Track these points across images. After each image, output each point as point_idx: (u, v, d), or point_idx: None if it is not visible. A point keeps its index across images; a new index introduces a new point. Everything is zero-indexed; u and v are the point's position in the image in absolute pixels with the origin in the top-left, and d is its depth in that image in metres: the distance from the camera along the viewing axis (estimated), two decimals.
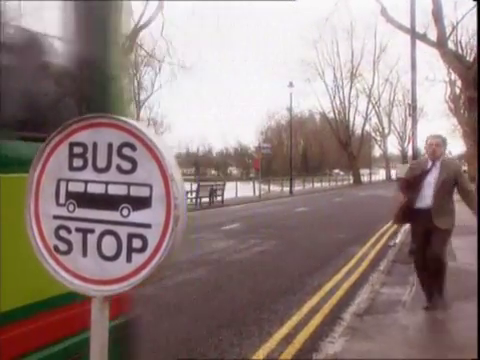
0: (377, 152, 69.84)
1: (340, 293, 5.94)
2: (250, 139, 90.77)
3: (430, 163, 4.75)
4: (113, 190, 1.14)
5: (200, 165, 78.17)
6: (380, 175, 61.96)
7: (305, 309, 5.36)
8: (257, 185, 27.15)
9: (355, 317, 4.89)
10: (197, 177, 68.85)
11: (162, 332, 4.59)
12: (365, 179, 50.62)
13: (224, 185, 22.45)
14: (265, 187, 30.48)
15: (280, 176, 40.38)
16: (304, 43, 47.28)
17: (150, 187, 1.11)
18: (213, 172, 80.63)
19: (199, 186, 20.76)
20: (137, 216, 1.12)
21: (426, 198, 4.63)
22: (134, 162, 1.13)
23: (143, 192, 1.12)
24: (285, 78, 43.43)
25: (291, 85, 29.62)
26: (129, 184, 1.13)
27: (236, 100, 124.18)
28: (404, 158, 53.13)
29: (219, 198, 21.92)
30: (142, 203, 1.12)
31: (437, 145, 4.68)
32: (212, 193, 21.10)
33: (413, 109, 8.80)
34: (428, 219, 4.56)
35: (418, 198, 4.67)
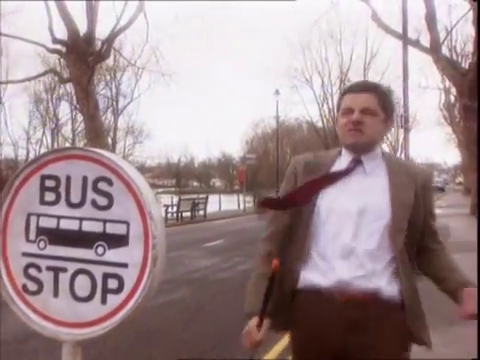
0: None
1: None
2: (235, 149, 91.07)
3: (347, 157, 1.77)
4: (88, 227, 1.12)
5: (181, 176, 78.03)
6: None
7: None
8: (242, 198, 27.16)
9: None
10: (178, 189, 68.79)
11: None
12: None
13: (207, 198, 22.41)
14: (250, 200, 30.50)
15: (266, 188, 40.47)
16: (291, 48, 47.65)
17: (127, 224, 1.10)
18: (195, 184, 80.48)
19: (180, 200, 20.68)
20: (113, 255, 1.11)
21: (337, 260, 1.63)
22: (110, 197, 1.12)
23: (120, 229, 1.11)
24: (271, 85, 43.86)
25: (277, 92, 29.91)
26: (105, 221, 1.12)
27: (220, 108, 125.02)
28: None
29: (201, 212, 21.86)
30: (118, 241, 1.11)
31: (365, 110, 1.69)
32: (194, 207, 21.04)
33: (405, 120, 8.93)
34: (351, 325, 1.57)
35: (308, 260, 1.69)
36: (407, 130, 8.92)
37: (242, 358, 4.58)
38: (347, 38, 45.06)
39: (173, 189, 69.02)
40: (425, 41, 18.65)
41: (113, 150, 42.23)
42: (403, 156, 9.90)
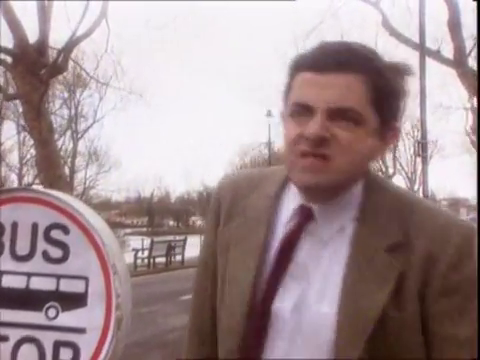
0: None
1: None
2: (219, 181, 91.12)
3: (293, 203, 1.16)
4: (37, 284, 1.12)
5: (155, 214, 77.78)
6: None
7: None
8: None
9: None
10: (150, 230, 68.48)
11: None
12: None
13: (185, 240, 22.35)
14: None
15: None
16: (285, 61, 48.82)
17: (86, 280, 1.10)
18: (171, 223, 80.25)
19: (153, 242, 20.60)
20: (67, 318, 1.10)
21: None
22: (66, 248, 1.12)
23: (76, 287, 1.10)
24: (262, 105, 44.35)
25: (269, 114, 30.30)
26: (58, 276, 1.11)
27: (201, 132, 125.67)
28: None
29: (179, 257, 21.76)
30: (75, 301, 1.10)
31: (339, 112, 1.04)
32: (170, 251, 20.96)
33: (423, 148, 9.07)
34: None
35: None
36: (426, 160, 9.06)
37: None
38: None
39: (145, 229, 68.73)
40: (447, 52, 18.83)
41: (71, 181, 42.14)
42: (421, 192, 10.03)
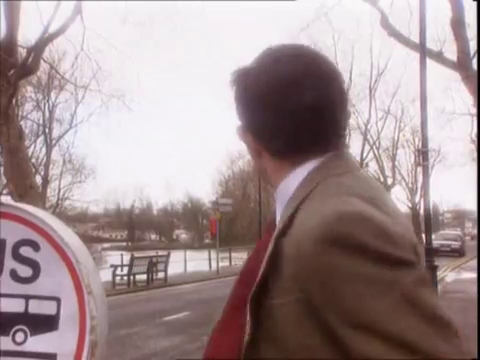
0: None
1: None
2: (205, 191, 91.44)
3: None
4: (4, 306, 1.11)
5: (136, 227, 77.56)
6: None
7: None
8: (214, 255, 27.08)
9: None
10: (131, 244, 68.19)
11: None
12: None
13: (168, 256, 22.29)
14: (225, 256, 30.42)
15: (246, 242, 40.48)
16: None
17: (57, 302, 1.10)
18: (153, 236, 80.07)
19: (133, 258, 20.51)
20: (37, 343, 1.09)
21: None
22: (36, 267, 1.12)
23: (47, 309, 1.10)
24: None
25: None
26: (27, 297, 1.11)
27: (185, 139, 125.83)
28: (415, 217, 54.40)
29: (161, 274, 21.69)
30: (45, 324, 1.10)
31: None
32: (151, 268, 20.88)
33: (424, 156, 9.12)
34: None
35: None
36: (427, 169, 9.12)
37: None
38: (345, 49, 46.25)
39: (124, 244, 68.48)
40: (450, 53, 18.85)
41: (44, 191, 41.90)
42: (422, 203, 10.04)
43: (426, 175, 8.98)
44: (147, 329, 11.06)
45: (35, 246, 1.16)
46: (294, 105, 1.09)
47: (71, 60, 26.05)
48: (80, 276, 1.12)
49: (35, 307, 1.15)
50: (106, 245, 57.24)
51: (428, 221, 8.92)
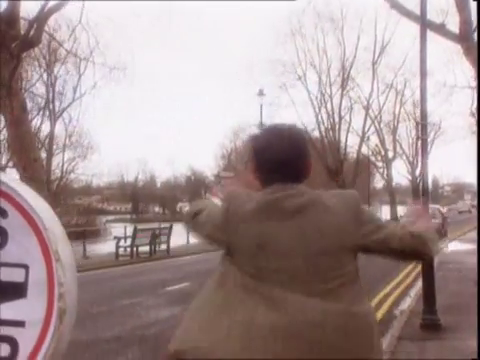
0: (379, 182, 71.47)
1: None
2: (208, 165, 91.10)
3: None
4: None
5: (139, 199, 77.73)
6: (383, 213, 63.19)
7: None
8: None
9: None
10: (134, 216, 68.40)
11: None
12: None
13: (170, 228, 22.34)
14: None
15: None
16: (278, 36, 48.02)
17: (25, 269, 1.07)
18: (157, 209, 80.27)
19: (136, 230, 20.56)
20: (5, 311, 1.06)
21: None
22: (4, 234, 1.08)
23: (15, 276, 1.07)
24: (253, 84, 43.97)
25: (261, 93, 30.16)
26: None
27: (188, 113, 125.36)
28: (415, 190, 54.29)
29: (164, 246, 21.77)
30: (13, 292, 1.07)
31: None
32: (154, 239, 20.95)
33: (423, 129, 9.03)
34: None
35: None
36: (426, 142, 9.03)
37: None
38: (351, 23, 45.67)
39: (128, 216, 68.71)
40: (453, 25, 18.48)
41: (49, 165, 41.89)
42: (420, 175, 9.96)
43: (425, 148, 8.90)
44: (149, 299, 11.12)
45: (3, 213, 1.13)
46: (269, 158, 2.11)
47: (70, 33, 25.85)
48: (48, 243, 1.09)
49: (3, 274, 1.12)
50: (110, 217, 57.50)
51: (426, 194, 8.86)
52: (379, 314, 9.64)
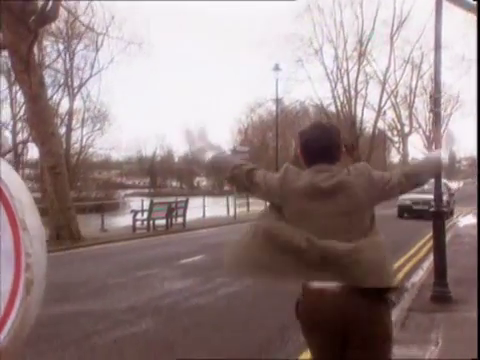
0: (395, 157, 70.90)
1: None
2: (225, 139, 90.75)
3: None
4: None
5: (157, 174, 77.98)
6: None
7: None
8: (232, 201, 27.16)
9: None
10: (152, 191, 68.72)
11: None
12: None
13: (186, 202, 22.38)
14: (243, 203, 30.50)
15: None
16: (294, 10, 47.30)
17: None
18: (174, 184, 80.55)
19: (152, 204, 20.61)
20: None
21: None
22: None
23: None
24: (269, 59, 43.59)
25: (277, 68, 29.85)
26: None
27: (205, 88, 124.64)
28: None
29: (180, 220, 21.84)
30: None
31: None
32: (170, 213, 21.00)
33: (436, 103, 8.86)
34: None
35: None
36: (439, 115, 8.85)
37: None
38: None
39: (146, 190, 69.05)
40: None
41: (68, 139, 42.10)
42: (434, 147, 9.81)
43: (438, 121, 8.72)
44: (163, 271, 11.16)
45: None
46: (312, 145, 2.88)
47: (86, 8, 25.70)
48: (15, 211, 1.03)
49: None
50: (129, 191, 57.78)
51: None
52: None
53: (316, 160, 2.82)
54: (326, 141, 2.85)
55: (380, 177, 2.84)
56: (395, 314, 7.63)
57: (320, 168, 2.79)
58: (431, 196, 21.86)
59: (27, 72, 16.15)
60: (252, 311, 7.93)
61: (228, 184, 3.53)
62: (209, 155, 3.16)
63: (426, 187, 27.42)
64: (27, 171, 43.39)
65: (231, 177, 3.04)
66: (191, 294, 8.96)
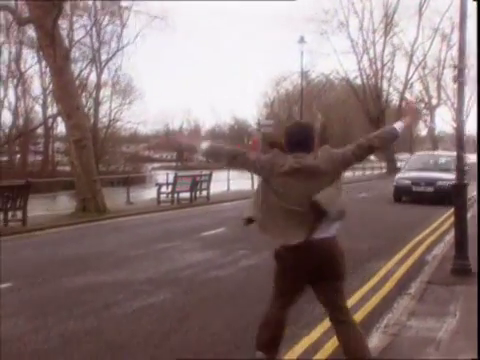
0: (422, 130, 69.72)
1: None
2: (251, 113, 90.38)
3: None
4: None
5: (184, 148, 77.87)
6: None
7: (299, 349, 5.27)
8: (256, 175, 27.02)
9: None
10: (179, 164, 68.86)
11: None
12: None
13: (210, 175, 22.34)
14: None
15: None
16: None
17: None
18: (201, 158, 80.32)
19: (177, 177, 20.61)
20: None
21: None
22: None
23: None
24: (294, 31, 42.79)
25: (302, 41, 29.32)
26: None
27: (231, 62, 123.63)
28: (460, 138, 52.55)
29: (204, 193, 21.83)
30: None
31: None
32: (194, 186, 20.98)
33: (459, 73, 8.63)
34: None
35: None
36: (462, 86, 8.59)
37: None
38: None
39: (173, 164, 69.17)
40: None
41: (96, 113, 42.27)
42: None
43: (461, 92, 8.46)
44: (184, 243, 11.15)
45: None
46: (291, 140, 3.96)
47: None
48: None
49: None
50: (156, 165, 57.95)
51: (460, 141, 8.53)
52: (410, 260, 9.48)
53: (295, 149, 3.89)
54: (302, 136, 3.94)
55: (338, 154, 3.92)
56: (414, 287, 7.55)
57: (297, 155, 3.85)
58: (437, 174, 19.12)
59: (52, 46, 16.14)
60: (270, 283, 7.88)
61: (227, 166, 4.26)
62: (204, 145, 4.25)
63: (431, 162, 21.71)
64: (57, 145, 43.72)
65: (232, 160, 4.07)
66: (211, 266, 8.95)
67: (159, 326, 5.91)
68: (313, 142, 3.96)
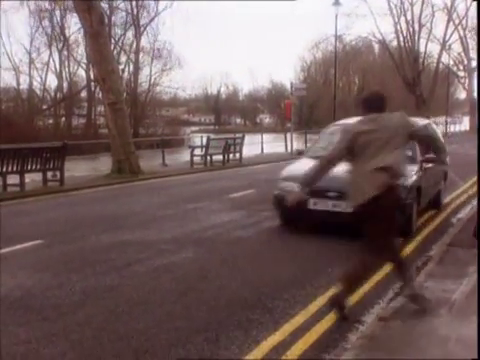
0: (460, 93, 67.66)
1: (367, 287, 5.71)
2: (288, 77, 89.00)
3: None
4: None
5: (222, 112, 77.76)
6: (463, 125, 60.10)
7: (313, 308, 5.22)
8: (290, 138, 26.77)
9: (378, 322, 4.69)
10: (217, 127, 68.91)
11: (113, 339, 4.49)
12: (441, 130, 49.04)
13: (243, 138, 22.20)
14: (301, 140, 30.07)
15: (325, 126, 39.71)
16: None
17: None
18: (238, 121, 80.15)
19: (209, 140, 20.55)
20: None
21: None
22: None
23: None
24: None
25: (337, 3, 28.41)
26: None
27: (268, 25, 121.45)
28: None
29: (237, 155, 21.75)
30: None
31: None
32: (227, 149, 20.90)
33: None
34: None
35: None
36: None
37: (239, 339, 4.47)
38: None
39: (212, 127, 69.21)
40: None
41: (136, 78, 42.32)
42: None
43: None
44: (211, 204, 11.13)
45: None
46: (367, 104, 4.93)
47: None
48: None
49: None
50: (195, 128, 58.02)
51: None
52: (432, 224, 9.26)
53: (370, 111, 4.81)
54: (377, 102, 4.84)
55: (410, 124, 4.90)
56: (435, 249, 7.40)
57: (372, 116, 4.78)
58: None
59: (88, 11, 16.08)
60: (292, 245, 7.83)
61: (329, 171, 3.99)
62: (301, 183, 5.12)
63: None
64: (100, 108, 44.11)
65: (327, 167, 4.93)
66: (234, 227, 8.92)
67: (178, 284, 5.93)
68: (386, 106, 4.86)
